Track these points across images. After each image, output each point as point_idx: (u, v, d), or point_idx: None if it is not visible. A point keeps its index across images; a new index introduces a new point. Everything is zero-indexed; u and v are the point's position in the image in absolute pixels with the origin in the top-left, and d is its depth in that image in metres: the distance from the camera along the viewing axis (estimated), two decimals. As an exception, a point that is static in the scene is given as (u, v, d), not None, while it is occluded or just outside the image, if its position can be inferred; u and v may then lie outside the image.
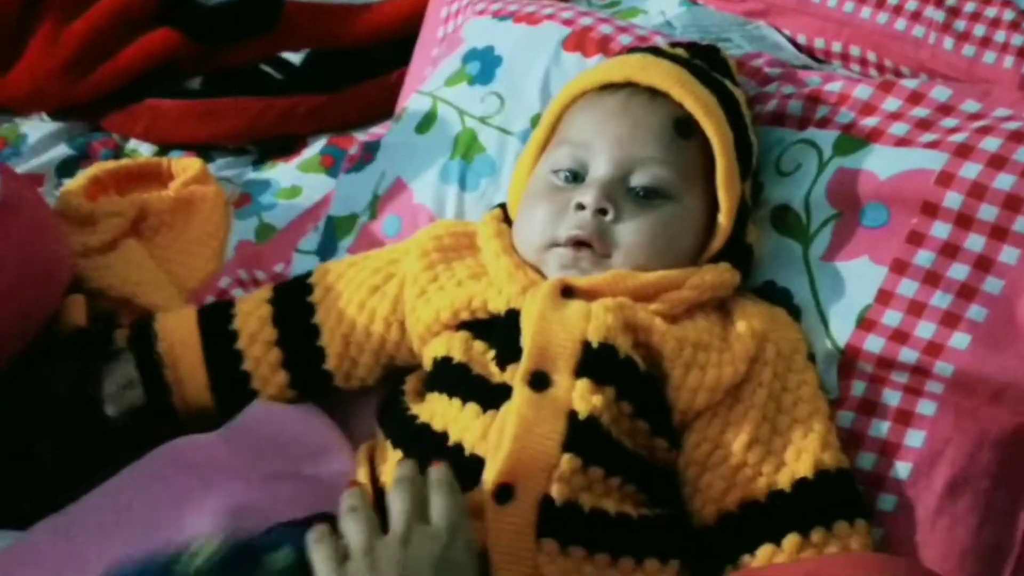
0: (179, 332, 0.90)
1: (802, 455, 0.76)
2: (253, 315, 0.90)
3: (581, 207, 0.82)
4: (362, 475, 0.80)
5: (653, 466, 0.78)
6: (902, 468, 0.79)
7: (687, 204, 0.85)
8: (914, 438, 0.79)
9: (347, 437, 0.89)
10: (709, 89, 0.86)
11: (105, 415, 0.89)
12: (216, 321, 0.91)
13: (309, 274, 0.93)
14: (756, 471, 0.76)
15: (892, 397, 0.81)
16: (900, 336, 0.81)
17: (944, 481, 0.77)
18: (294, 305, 0.90)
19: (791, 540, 0.73)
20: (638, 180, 0.83)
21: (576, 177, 0.85)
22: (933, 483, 0.77)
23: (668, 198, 0.84)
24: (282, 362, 0.89)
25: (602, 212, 0.82)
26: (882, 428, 0.80)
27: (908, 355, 0.80)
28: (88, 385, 0.90)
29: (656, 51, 0.93)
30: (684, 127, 0.85)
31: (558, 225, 0.83)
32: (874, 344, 0.81)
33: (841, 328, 0.83)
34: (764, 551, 0.73)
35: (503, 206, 0.93)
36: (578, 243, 0.83)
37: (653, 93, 0.86)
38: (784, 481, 0.75)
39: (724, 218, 0.85)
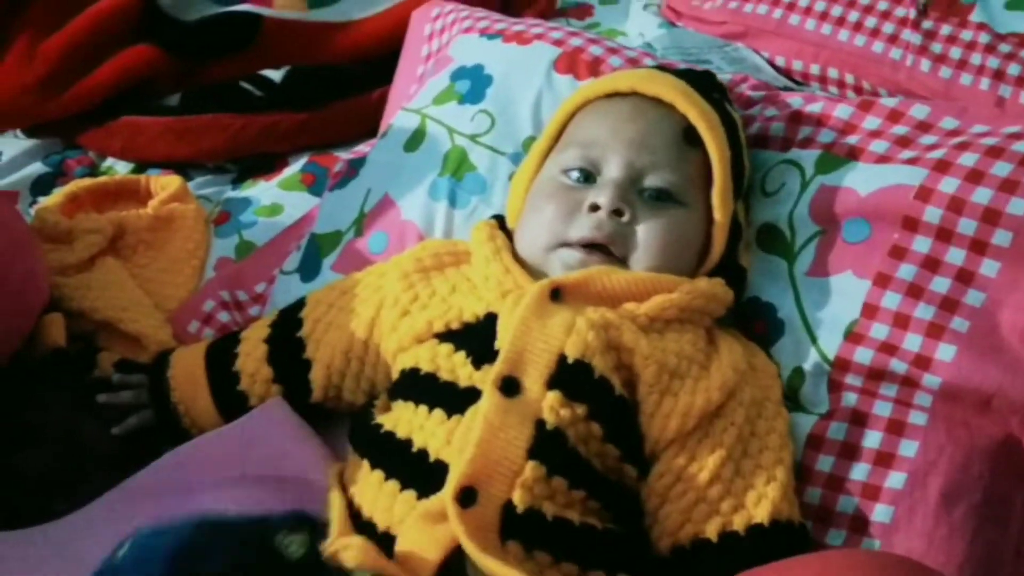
0: (190, 381, 0.94)
1: (761, 501, 0.74)
2: (251, 356, 0.93)
3: (595, 208, 0.82)
4: (335, 494, 0.79)
5: (620, 488, 0.77)
6: (896, 478, 0.79)
7: (694, 212, 0.85)
8: (907, 448, 0.79)
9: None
10: (711, 104, 0.88)
11: (92, 440, 0.90)
12: (221, 366, 0.94)
13: (302, 304, 0.94)
14: (713, 509, 0.74)
15: (883, 408, 0.81)
16: (888, 348, 0.81)
17: (939, 491, 0.77)
18: (287, 342, 0.92)
19: None
20: (651, 182, 0.84)
21: (587, 178, 0.85)
22: (928, 493, 0.77)
23: (678, 203, 0.85)
24: (282, 393, 0.92)
25: (618, 213, 0.82)
26: (875, 438, 0.80)
27: (897, 366, 0.81)
28: (78, 414, 0.91)
29: (659, 68, 0.95)
30: (692, 136, 0.86)
31: (569, 225, 0.83)
32: (864, 356, 0.82)
33: (830, 341, 0.84)
34: None
35: (498, 217, 0.93)
36: (591, 245, 0.82)
37: (658, 103, 0.87)
38: (739, 524, 0.74)
39: (718, 233, 0.86)
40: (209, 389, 0.93)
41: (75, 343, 1.00)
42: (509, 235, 0.89)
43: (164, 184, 1.21)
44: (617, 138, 0.85)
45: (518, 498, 0.71)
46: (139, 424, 0.94)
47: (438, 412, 0.77)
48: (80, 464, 0.88)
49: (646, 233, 0.83)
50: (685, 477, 0.75)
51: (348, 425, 0.89)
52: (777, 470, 0.77)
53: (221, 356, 0.95)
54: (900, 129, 0.89)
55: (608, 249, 0.83)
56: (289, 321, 0.94)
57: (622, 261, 0.83)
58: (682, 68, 0.97)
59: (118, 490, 0.82)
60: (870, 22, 1.30)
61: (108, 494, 0.82)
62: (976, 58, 1.22)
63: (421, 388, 0.80)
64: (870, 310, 0.83)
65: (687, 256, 0.85)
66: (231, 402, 0.92)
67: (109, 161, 1.36)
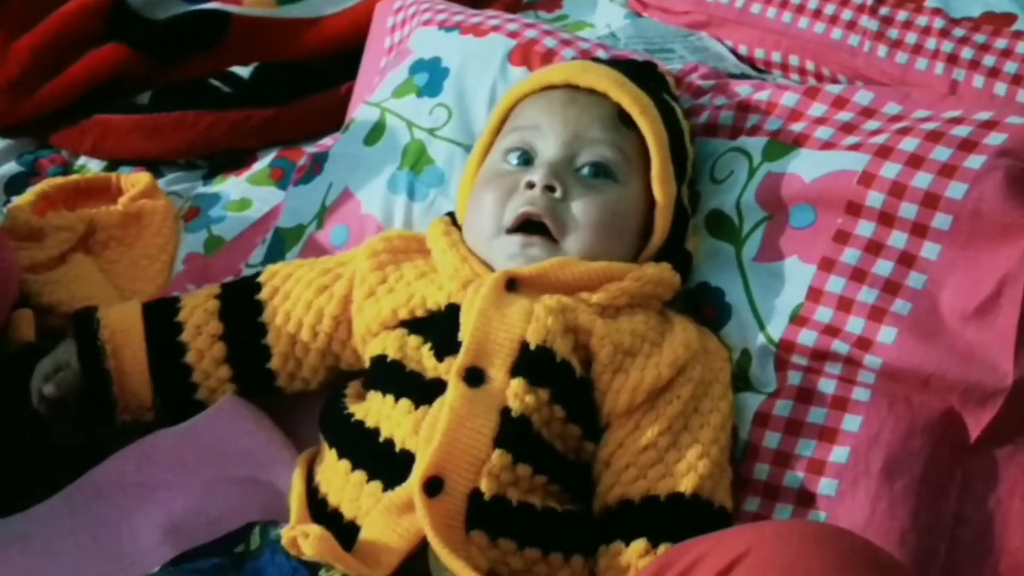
0: (122, 321, 0.90)
1: (689, 473, 0.76)
2: (199, 308, 0.91)
3: (530, 186, 0.84)
4: (297, 479, 0.81)
5: (579, 467, 0.79)
6: (840, 452, 0.81)
7: (630, 190, 0.87)
8: (851, 423, 0.82)
9: (296, 446, 0.90)
10: (645, 92, 0.90)
11: (51, 428, 0.89)
12: (162, 312, 0.92)
13: (259, 273, 0.94)
14: (641, 473, 0.77)
15: (827, 385, 0.83)
16: (832, 330, 0.83)
17: (881, 464, 0.79)
18: (242, 301, 0.91)
19: (638, 544, 0.73)
20: (585, 158, 0.86)
21: (526, 160, 0.87)
22: (871, 466, 0.80)
23: (614, 180, 0.86)
24: (225, 357, 0.90)
25: (551, 189, 0.84)
26: (820, 414, 0.83)
27: (840, 347, 0.83)
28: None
29: (594, 59, 0.97)
30: (627, 117, 0.88)
31: (507, 206, 0.85)
32: (808, 338, 0.84)
33: (776, 324, 0.86)
34: (615, 547, 0.75)
35: (451, 214, 0.95)
36: (528, 225, 0.84)
37: (592, 92, 0.89)
38: (662, 489, 0.76)
39: (660, 214, 0.88)
40: (144, 335, 0.89)
41: (45, 338, 1.02)
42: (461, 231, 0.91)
43: (134, 181, 1.22)
44: (552, 120, 0.87)
45: (485, 486, 0.73)
46: (66, 381, 0.88)
47: (404, 402, 0.78)
48: (49, 454, 0.90)
49: (581, 209, 0.84)
50: (625, 444, 0.78)
51: (311, 411, 0.90)
52: (712, 448, 0.79)
53: (160, 307, 0.92)
54: (845, 115, 0.91)
55: (545, 228, 0.84)
56: (244, 285, 0.93)
57: (558, 240, 0.84)
58: (621, 60, 0.99)
59: (77, 490, 0.83)
60: (829, 9, 1.31)
61: (68, 491, 0.83)
62: (931, 43, 1.24)
63: (389, 376, 0.81)
64: (815, 294, 0.85)
65: (625, 236, 0.87)
66: (166, 351, 0.89)
67: (82, 160, 1.36)
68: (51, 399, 0.88)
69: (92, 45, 1.35)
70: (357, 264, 0.89)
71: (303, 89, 1.36)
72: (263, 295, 0.91)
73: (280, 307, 0.90)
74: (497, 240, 0.85)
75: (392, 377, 0.81)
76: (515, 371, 0.77)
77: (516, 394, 0.76)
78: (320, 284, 0.90)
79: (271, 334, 0.90)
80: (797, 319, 0.85)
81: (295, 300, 0.90)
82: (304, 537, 0.72)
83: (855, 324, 0.83)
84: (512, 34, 1.09)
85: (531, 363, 0.77)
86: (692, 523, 0.73)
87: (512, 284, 0.82)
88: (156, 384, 0.90)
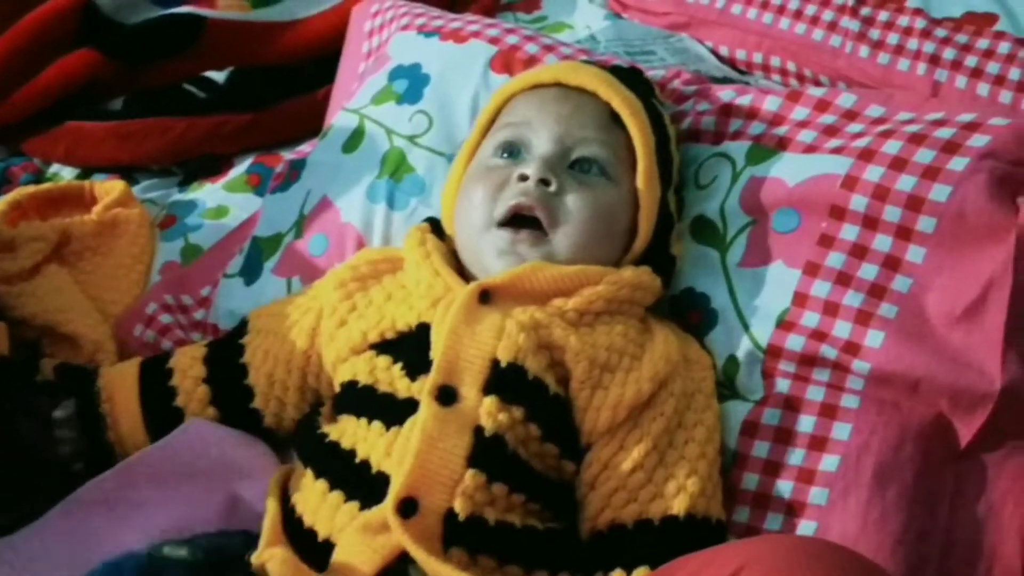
0: (118, 379, 0.92)
1: (680, 494, 0.75)
2: (187, 354, 0.92)
3: (523, 178, 0.83)
4: (271, 503, 0.80)
5: (559, 486, 0.78)
6: (830, 461, 0.80)
7: (622, 189, 0.86)
8: (840, 431, 0.81)
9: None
10: (634, 93, 0.89)
11: (35, 448, 0.89)
12: (154, 366, 0.93)
13: (246, 320, 0.94)
14: (632, 496, 0.76)
15: (816, 393, 0.83)
16: (819, 335, 0.83)
17: (872, 472, 0.79)
18: (226, 347, 0.92)
19: (640, 573, 0.72)
20: (579, 154, 0.86)
21: (516, 154, 0.86)
22: (861, 475, 0.79)
23: (606, 177, 0.86)
24: (210, 399, 0.90)
25: (544, 183, 0.83)
26: (808, 423, 0.82)
27: (828, 351, 0.82)
28: (20, 422, 0.90)
29: (583, 61, 0.97)
30: (618, 117, 0.88)
31: (498, 200, 0.84)
32: (795, 343, 0.83)
33: (762, 330, 0.85)
34: None
35: (431, 219, 0.93)
36: (518, 218, 0.83)
37: (582, 91, 0.89)
38: (655, 512, 0.75)
39: (644, 217, 0.87)
40: (138, 380, 0.91)
41: (20, 351, 1.00)
42: (442, 237, 0.90)
43: (108, 189, 1.21)
44: (545, 116, 0.87)
45: (459, 506, 0.72)
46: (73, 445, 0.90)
47: (377, 424, 0.77)
48: (22, 472, 0.89)
49: (575, 203, 0.83)
50: (611, 465, 0.77)
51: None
52: (699, 463, 0.78)
53: (155, 360, 0.94)
54: (827, 118, 0.91)
55: (536, 223, 0.83)
56: (233, 330, 0.94)
57: (548, 233, 0.83)
58: (612, 65, 0.98)
59: (63, 508, 0.83)
60: (810, 10, 1.31)
61: (55, 510, 0.83)
62: (913, 43, 1.23)
63: (361, 401, 0.80)
64: (801, 299, 0.84)
65: (614, 235, 0.86)
66: (158, 396, 0.91)
67: (55, 167, 1.35)
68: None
69: (63, 51, 1.33)
70: (325, 297, 0.88)
71: (280, 93, 1.35)
72: (246, 339, 0.92)
73: (260, 347, 0.90)
74: (487, 234, 0.84)
75: (365, 402, 0.80)
76: (487, 389, 0.76)
77: (489, 412, 0.75)
78: (293, 321, 0.90)
79: (251, 374, 0.90)
80: (784, 324, 0.84)
81: (272, 339, 0.90)
82: (269, 560, 0.72)
83: (842, 328, 0.82)
84: (493, 40, 1.08)
85: (503, 381, 0.76)
86: (690, 544, 0.71)
87: (485, 296, 0.81)
88: (150, 431, 0.91)
